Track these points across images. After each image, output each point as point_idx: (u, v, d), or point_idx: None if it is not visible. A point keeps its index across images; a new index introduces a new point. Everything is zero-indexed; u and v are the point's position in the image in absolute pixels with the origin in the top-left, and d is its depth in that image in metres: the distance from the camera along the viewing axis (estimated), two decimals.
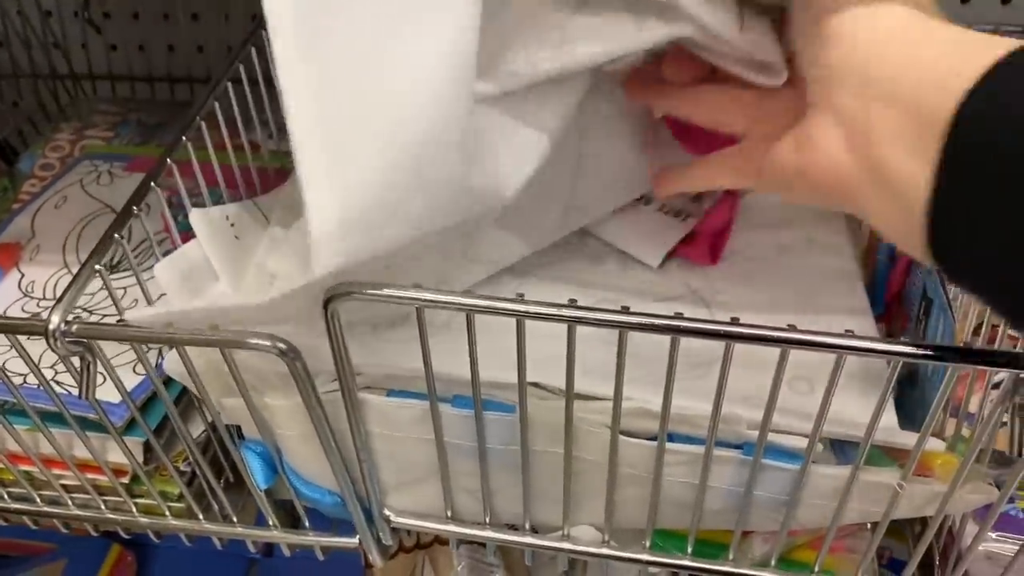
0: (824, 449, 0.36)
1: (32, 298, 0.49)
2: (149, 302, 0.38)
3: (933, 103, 0.26)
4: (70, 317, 0.33)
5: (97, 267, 0.35)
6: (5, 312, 0.48)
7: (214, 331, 0.33)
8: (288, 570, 0.63)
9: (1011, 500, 0.41)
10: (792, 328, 0.28)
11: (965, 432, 0.37)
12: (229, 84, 0.43)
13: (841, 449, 0.37)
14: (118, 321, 0.35)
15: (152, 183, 0.38)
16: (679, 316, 0.29)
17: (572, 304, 0.30)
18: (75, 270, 0.51)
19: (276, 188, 0.47)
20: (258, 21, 0.47)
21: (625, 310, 0.29)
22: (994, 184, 0.25)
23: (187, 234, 0.40)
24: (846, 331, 0.28)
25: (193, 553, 0.65)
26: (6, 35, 0.72)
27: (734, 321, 0.29)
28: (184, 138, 0.40)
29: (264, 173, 0.48)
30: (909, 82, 0.28)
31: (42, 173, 0.61)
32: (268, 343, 0.32)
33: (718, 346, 0.29)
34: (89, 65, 0.74)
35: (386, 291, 0.30)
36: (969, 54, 0.26)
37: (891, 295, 0.46)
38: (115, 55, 0.76)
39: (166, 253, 0.39)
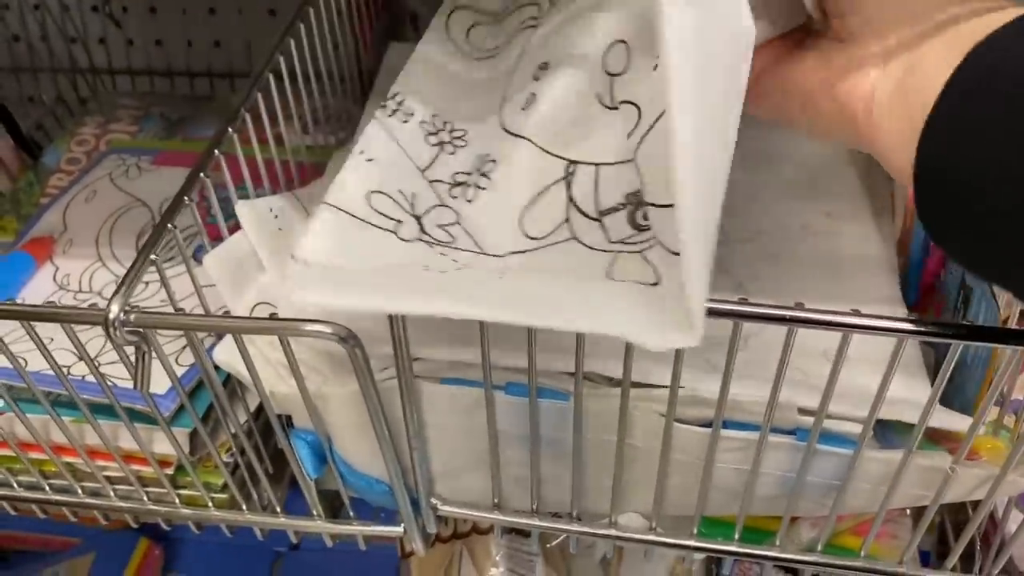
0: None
1: (68, 290, 0.49)
2: (198, 290, 0.39)
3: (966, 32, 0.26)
4: (128, 306, 0.33)
5: (153, 257, 0.35)
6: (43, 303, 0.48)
7: (272, 319, 0.33)
8: (315, 563, 0.63)
9: None
10: (856, 312, 0.29)
11: (1007, 420, 0.37)
12: (271, 76, 0.43)
13: (883, 433, 0.37)
14: (176, 311, 0.35)
15: (201, 174, 0.38)
16: (743, 301, 0.29)
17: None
18: (108, 263, 0.51)
19: (313, 181, 0.47)
20: (296, 13, 0.47)
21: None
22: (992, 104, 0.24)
23: (213, 227, 0.40)
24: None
25: (220, 546, 0.66)
26: (24, 29, 0.72)
27: (798, 306, 0.29)
28: (230, 130, 0.40)
29: (300, 168, 0.48)
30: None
31: (69, 167, 0.61)
32: (328, 330, 0.32)
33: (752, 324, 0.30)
34: (108, 59, 0.74)
35: None
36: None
37: (925, 285, 0.46)
38: (133, 49, 0.76)
39: (198, 249, 0.39)
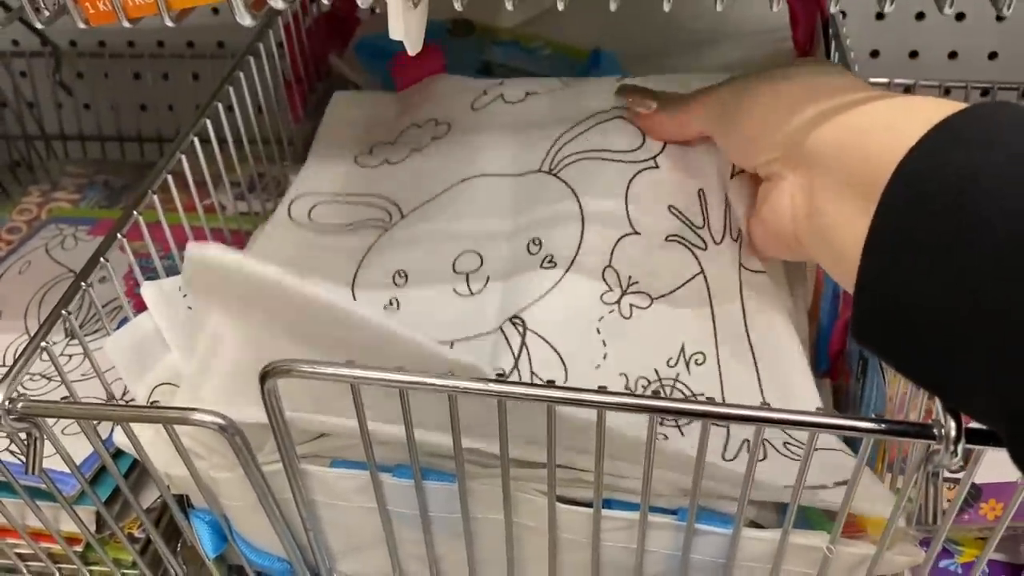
0: (762, 511, 0.37)
1: None
2: (98, 373, 0.39)
3: (872, 168, 0.29)
4: (14, 394, 0.34)
5: (43, 344, 0.35)
6: None
7: (156, 408, 0.34)
8: None
9: (949, 555, 0.42)
10: (711, 402, 0.29)
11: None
12: (188, 150, 0.44)
13: (783, 507, 0.37)
14: (64, 398, 0.36)
15: (102, 258, 0.39)
16: (602, 390, 0.30)
17: (501, 379, 0.31)
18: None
19: None
20: (220, 82, 0.48)
21: (550, 384, 0.30)
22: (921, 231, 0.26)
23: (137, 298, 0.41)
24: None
25: None
26: None
27: (709, 400, 0.30)
28: (135, 212, 0.41)
29: (220, 235, 0.49)
30: (847, 155, 0.31)
31: (9, 236, 0.62)
32: (209, 419, 0.33)
33: None
34: (60, 126, 0.75)
35: (321, 369, 0.31)
36: (904, 123, 0.29)
37: (834, 352, 0.47)
38: (87, 114, 0.77)
39: (123, 320, 0.40)
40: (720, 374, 0.40)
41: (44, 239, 0.59)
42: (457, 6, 0.34)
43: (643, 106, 0.44)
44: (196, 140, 0.45)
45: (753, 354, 0.41)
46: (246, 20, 0.33)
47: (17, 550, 0.44)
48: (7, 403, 0.33)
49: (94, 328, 0.48)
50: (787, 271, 0.48)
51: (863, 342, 0.29)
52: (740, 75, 0.40)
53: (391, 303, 0.43)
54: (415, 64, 0.54)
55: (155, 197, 0.42)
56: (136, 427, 0.35)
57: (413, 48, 0.33)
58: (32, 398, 0.34)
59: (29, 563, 0.44)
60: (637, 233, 0.41)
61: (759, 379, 0.40)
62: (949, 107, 0.28)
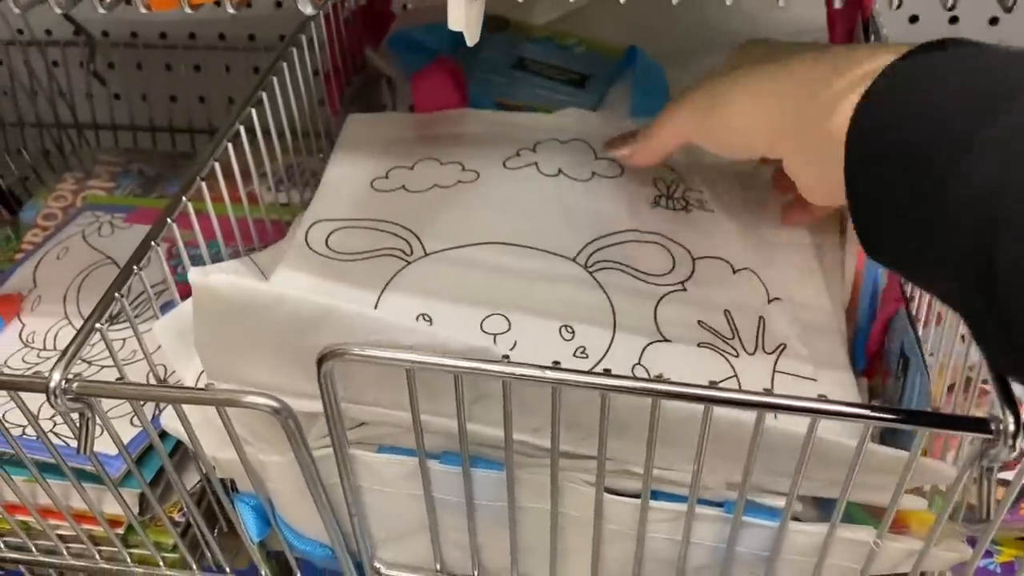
0: (804, 506, 0.37)
1: (32, 348, 0.50)
2: (146, 356, 0.39)
3: (833, 122, 0.33)
4: (70, 375, 0.34)
5: (97, 326, 0.36)
6: (6, 362, 0.49)
7: (209, 390, 0.34)
8: None
9: (989, 555, 0.42)
10: (768, 392, 0.30)
11: (943, 488, 0.38)
12: (233, 139, 0.45)
13: (823, 503, 0.37)
14: (117, 379, 0.36)
15: (152, 242, 0.39)
16: (659, 379, 0.30)
17: (556, 367, 0.31)
18: (75, 321, 0.52)
19: (273, 244, 0.49)
20: (264, 72, 0.49)
21: (607, 373, 0.30)
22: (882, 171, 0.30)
23: (185, 286, 0.41)
24: (819, 395, 0.30)
25: None
26: (12, 85, 0.74)
27: (712, 385, 0.30)
28: (184, 199, 0.41)
29: (261, 225, 0.50)
30: (814, 112, 0.34)
31: (45, 223, 0.62)
32: (262, 401, 0.33)
33: None
34: (93, 114, 0.76)
35: (378, 352, 0.32)
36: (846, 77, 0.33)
37: (872, 351, 0.47)
38: (118, 104, 0.78)
39: (165, 305, 0.40)
40: None
41: (80, 226, 0.59)
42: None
43: (625, 147, 0.47)
44: (242, 129, 0.46)
45: None
46: (308, 9, 0.33)
47: (59, 531, 0.44)
48: (63, 383, 0.34)
49: (126, 320, 0.48)
50: (823, 270, 0.49)
51: (867, 245, 0.33)
52: (701, 79, 0.42)
53: None
54: (439, 82, 0.55)
55: (203, 184, 0.43)
56: (186, 410, 0.36)
57: (472, 38, 0.34)
58: (86, 379, 0.34)
59: (69, 544, 0.45)
60: (668, 340, 0.42)
61: None
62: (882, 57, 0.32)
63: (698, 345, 0.42)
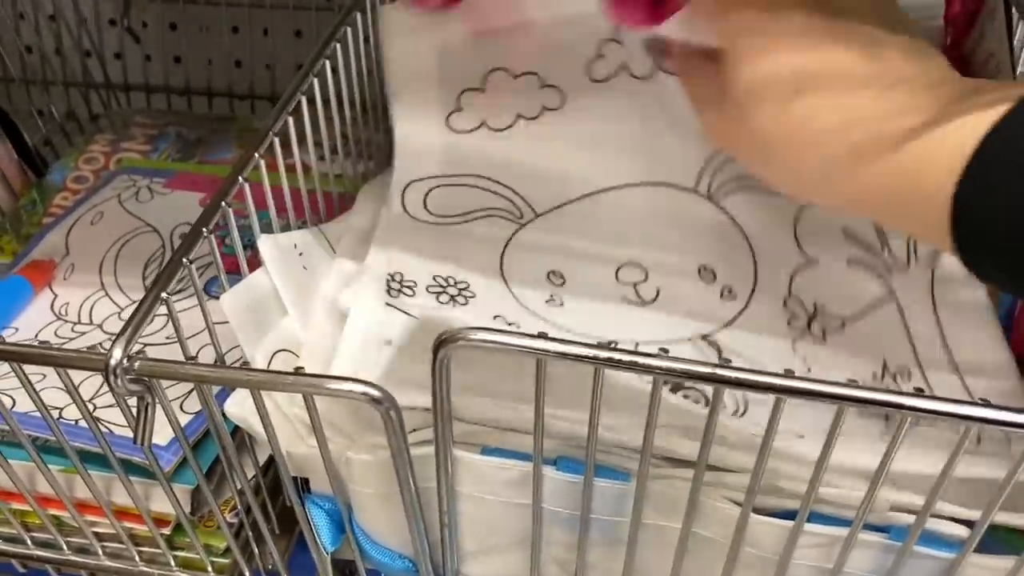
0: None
1: (66, 321, 0.45)
2: (212, 333, 0.34)
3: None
4: (133, 352, 0.29)
5: (164, 295, 0.31)
6: (36, 336, 0.44)
7: (296, 374, 0.29)
8: None
9: None
10: (986, 403, 0.25)
11: None
12: (303, 98, 0.39)
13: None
14: (187, 359, 0.31)
15: (224, 203, 0.34)
16: (851, 384, 0.25)
17: (725, 364, 0.26)
18: (112, 292, 0.47)
19: (343, 214, 0.44)
20: (332, 32, 0.43)
21: (789, 374, 0.25)
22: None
23: (229, 258, 0.36)
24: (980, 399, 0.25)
25: None
26: (39, 40, 0.68)
27: (918, 392, 0.25)
28: (256, 155, 0.36)
29: (326, 196, 0.44)
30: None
31: (75, 186, 0.57)
32: (360, 389, 0.28)
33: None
34: (124, 74, 0.71)
35: (506, 338, 0.27)
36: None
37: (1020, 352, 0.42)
38: (150, 65, 0.72)
39: (211, 281, 0.35)
40: (928, 386, 0.36)
41: (116, 189, 0.54)
42: None
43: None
44: (316, 83, 0.40)
45: (960, 376, 0.36)
46: None
47: (95, 529, 0.39)
48: (125, 361, 0.28)
49: (178, 287, 0.43)
50: None
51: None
52: None
53: (552, 298, 0.39)
54: None
55: (276, 140, 0.37)
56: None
57: None
58: (151, 357, 0.29)
59: (107, 544, 0.40)
60: (815, 262, 0.39)
61: (966, 389, 0.35)
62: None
63: (848, 263, 0.39)
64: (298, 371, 0.29)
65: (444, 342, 0.27)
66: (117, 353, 0.28)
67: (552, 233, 0.41)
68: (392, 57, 0.45)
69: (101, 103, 0.69)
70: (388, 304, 0.37)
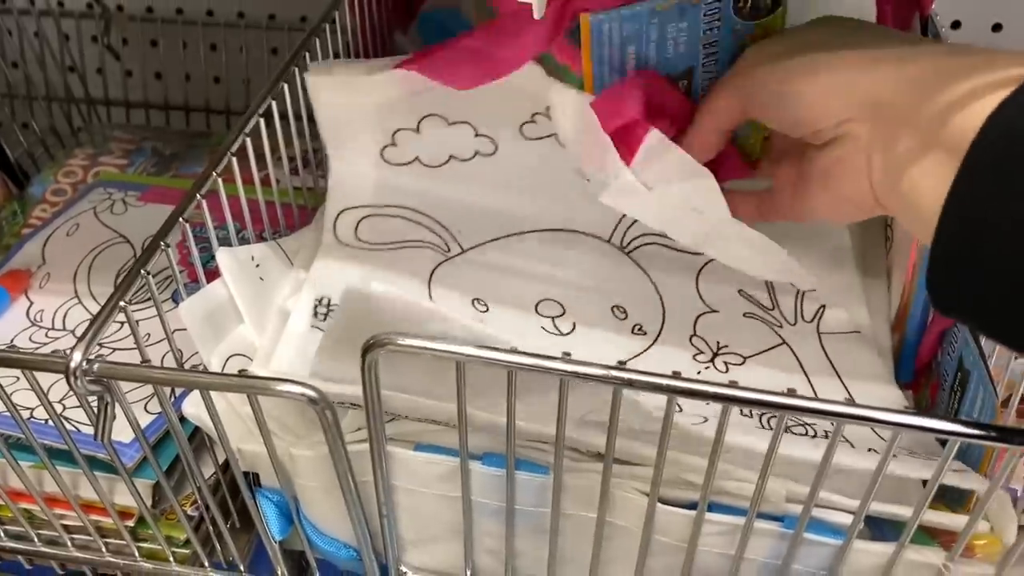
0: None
1: (40, 327, 0.48)
2: (169, 338, 0.37)
3: (955, 128, 0.28)
4: (91, 355, 0.32)
5: (122, 304, 0.33)
6: (12, 341, 0.47)
7: (241, 376, 0.32)
8: None
9: None
10: (851, 403, 0.28)
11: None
12: (261, 120, 0.42)
13: (876, 522, 0.36)
14: (142, 362, 0.34)
15: (181, 218, 0.37)
16: (733, 384, 0.28)
17: (620, 367, 0.29)
18: (85, 300, 0.50)
19: (301, 229, 0.46)
20: (291, 58, 0.46)
21: (676, 375, 0.28)
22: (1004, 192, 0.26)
23: (194, 268, 0.39)
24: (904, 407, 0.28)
25: None
26: (22, 55, 0.71)
27: (791, 392, 0.28)
28: (214, 174, 0.39)
29: (287, 209, 0.47)
30: (927, 110, 0.30)
31: (54, 198, 0.60)
32: (298, 390, 0.31)
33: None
34: (105, 90, 0.73)
35: (427, 343, 0.29)
36: (981, 84, 0.28)
37: (921, 364, 0.45)
38: (131, 81, 0.75)
39: (175, 292, 0.37)
40: None
41: (92, 202, 0.57)
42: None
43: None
44: (273, 104, 0.43)
45: (850, 396, 0.40)
46: None
47: (64, 521, 0.42)
48: (84, 363, 0.31)
49: (146, 296, 0.46)
50: (863, 276, 0.47)
51: (940, 299, 0.29)
52: (760, 53, 0.38)
53: (475, 320, 0.41)
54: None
55: (234, 160, 0.40)
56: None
57: (539, 11, 0.31)
58: (109, 360, 0.32)
59: (74, 536, 0.42)
60: (715, 311, 0.44)
61: None
62: None
63: (743, 315, 0.44)
64: (242, 372, 0.32)
65: (371, 346, 0.30)
66: (77, 356, 0.31)
67: (477, 265, 0.44)
68: (324, 103, 0.46)
69: (82, 118, 0.72)
70: (314, 327, 0.40)
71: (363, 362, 0.30)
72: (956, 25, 0.67)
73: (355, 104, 0.45)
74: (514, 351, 0.29)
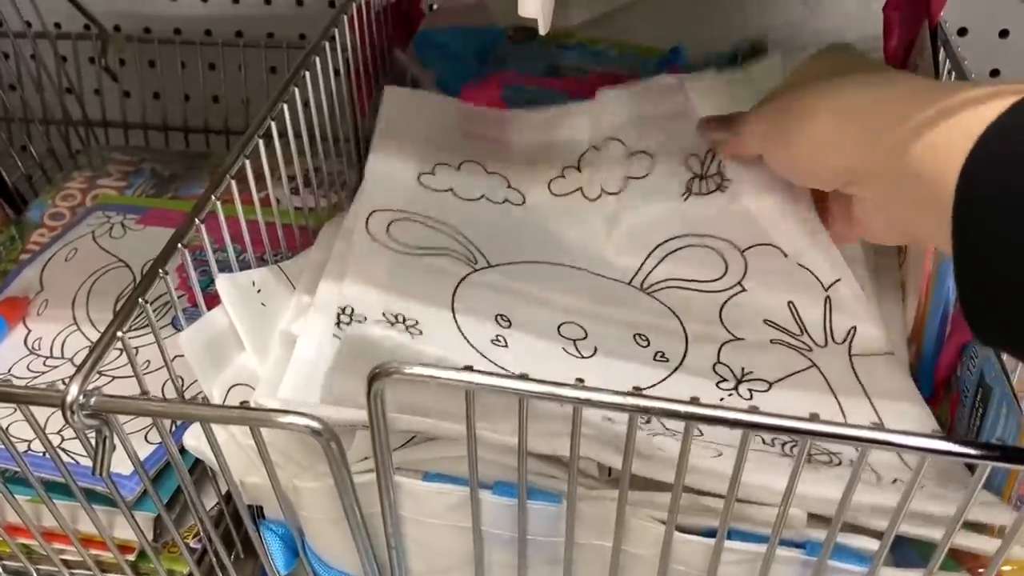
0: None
1: (39, 355, 0.47)
2: (169, 367, 0.36)
3: (936, 172, 0.29)
4: (88, 389, 0.31)
5: (119, 335, 0.32)
6: (10, 370, 0.46)
7: (243, 408, 0.31)
8: None
9: None
10: (878, 427, 0.27)
11: None
12: (260, 141, 0.42)
13: (899, 547, 0.34)
14: (140, 394, 0.33)
15: (179, 244, 0.36)
16: (753, 410, 0.27)
17: (637, 392, 0.28)
18: (84, 327, 0.49)
19: (302, 251, 0.45)
20: (290, 78, 0.45)
21: (694, 401, 0.27)
22: (1000, 239, 0.26)
23: (207, 293, 0.38)
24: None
25: None
26: (19, 78, 0.70)
27: (813, 417, 0.27)
28: (213, 198, 0.38)
29: (288, 229, 0.46)
30: (910, 158, 0.31)
31: (52, 223, 0.59)
32: (302, 422, 0.30)
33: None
34: (103, 111, 0.73)
35: (435, 372, 0.28)
36: (957, 120, 0.29)
37: (940, 379, 0.44)
38: (129, 102, 0.74)
39: (174, 318, 0.36)
40: None
41: (91, 226, 0.56)
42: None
43: (719, 132, 0.44)
44: (273, 125, 0.42)
45: (880, 420, 0.39)
46: None
47: (63, 556, 0.41)
48: (80, 397, 0.30)
49: (145, 323, 0.45)
50: (878, 288, 0.46)
51: (979, 331, 0.29)
52: (780, 88, 0.40)
53: (498, 339, 0.41)
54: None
55: (233, 183, 0.39)
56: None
57: (544, 26, 0.31)
58: (106, 393, 0.31)
59: (75, 571, 0.41)
60: (742, 340, 0.43)
61: None
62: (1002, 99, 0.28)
63: (771, 341, 0.43)
64: (243, 404, 0.31)
65: (378, 375, 0.29)
66: (73, 390, 0.30)
67: (503, 280, 0.44)
68: (385, 117, 0.50)
69: (80, 140, 0.72)
70: (335, 336, 0.39)
71: (369, 391, 0.29)
72: (963, 32, 0.66)
73: (415, 123, 0.50)
74: (524, 377, 0.28)
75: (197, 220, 0.37)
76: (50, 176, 0.67)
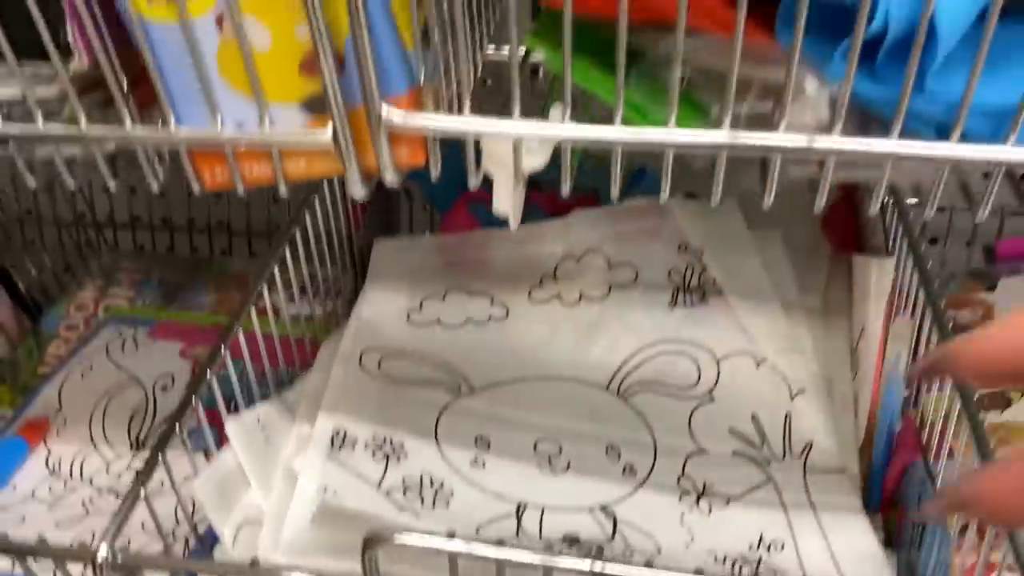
0: None
1: (59, 477, 0.51)
2: (189, 520, 0.40)
3: None
4: (117, 546, 0.35)
5: (143, 493, 0.36)
6: (33, 493, 0.50)
7: (254, 567, 0.35)
8: None
9: None
10: None
11: None
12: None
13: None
14: (164, 549, 0.37)
15: (208, 371, 0.40)
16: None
17: (600, 556, 0.32)
18: (100, 446, 0.53)
19: (302, 375, 0.50)
20: (294, 217, 0.50)
21: (648, 565, 0.31)
22: None
23: (211, 410, 0.42)
24: None
25: None
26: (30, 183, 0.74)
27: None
28: (223, 347, 0.42)
29: (270, 340, 0.49)
30: None
31: (67, 333, 0.63)
32: None
33: None
34: (111, 209, 0.76)
35: (425, 540, 0.32)
36: None
37: (887, 490, 0.48)
38: (135, 199, 0.78)
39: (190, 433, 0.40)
40: (798, 555, 0.43)
41: (105, 340, 0.60)
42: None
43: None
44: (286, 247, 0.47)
45: (826, 539, 0.43)
46: (359, 192, 0.35)
47: None
48: (109, 556, 0.34)
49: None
50: (832, 402, 0.50)
51: None
52: None
53: (476, 460, 0.46)
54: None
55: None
56: None
57: (515, 223, 0.35)
58: (134, 551, 0.35)
59: None
60: (706, 451, 0.47)
61: (832, 554, 0.42)
62: None
63: (732, 454, 0.47)
64: (254, 562, 0.34)
65: (371, 542, 0.33)
66: (103, 549, 0.34)
67: (485, 405, 0.49)
68: (374, 267, 0.56)
69: (88, 245, 0.75)
70: (328, 459, 0.43)
71: (363, 557, 0.33)
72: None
73: (401, 268, 0.56)
74: (501, 544, 0.32)
75: (223, 347, 0.42)
76: (61, 281, 0.71)
